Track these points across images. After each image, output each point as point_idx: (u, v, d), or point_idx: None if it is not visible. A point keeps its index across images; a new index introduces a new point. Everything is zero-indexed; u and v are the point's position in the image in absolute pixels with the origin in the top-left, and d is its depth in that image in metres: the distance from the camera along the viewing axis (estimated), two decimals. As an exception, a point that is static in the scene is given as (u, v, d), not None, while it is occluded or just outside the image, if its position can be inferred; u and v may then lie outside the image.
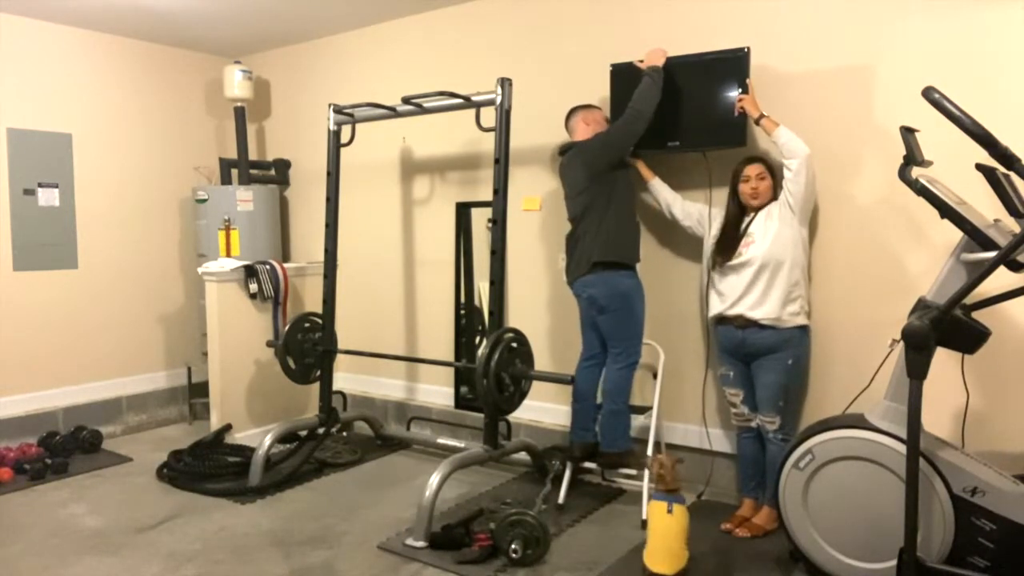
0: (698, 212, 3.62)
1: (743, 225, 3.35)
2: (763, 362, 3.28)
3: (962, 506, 2.55)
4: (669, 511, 2.83)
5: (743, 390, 3.38)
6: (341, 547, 3.30)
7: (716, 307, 3.41)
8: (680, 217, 3.67)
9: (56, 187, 4.94)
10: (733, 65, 3.44)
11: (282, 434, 4.26)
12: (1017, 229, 2.50)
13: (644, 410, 3.81)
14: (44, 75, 4.87)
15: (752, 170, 3.33)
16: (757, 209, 3.34)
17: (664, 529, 2.82)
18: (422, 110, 4.09)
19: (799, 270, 3.26)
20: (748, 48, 3.40)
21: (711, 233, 3.51)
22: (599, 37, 4.06)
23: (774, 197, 3.35)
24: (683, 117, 3.61)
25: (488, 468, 4.13)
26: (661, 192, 3.73)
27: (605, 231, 3.54)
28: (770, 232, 3.25)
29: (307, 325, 4.55)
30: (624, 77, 3.71)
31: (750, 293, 3.26)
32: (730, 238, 3.36)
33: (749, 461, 3.43)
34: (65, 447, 4.56)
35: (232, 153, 5.58)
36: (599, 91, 3.90)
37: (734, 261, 3.31)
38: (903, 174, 2.65)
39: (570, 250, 3.71)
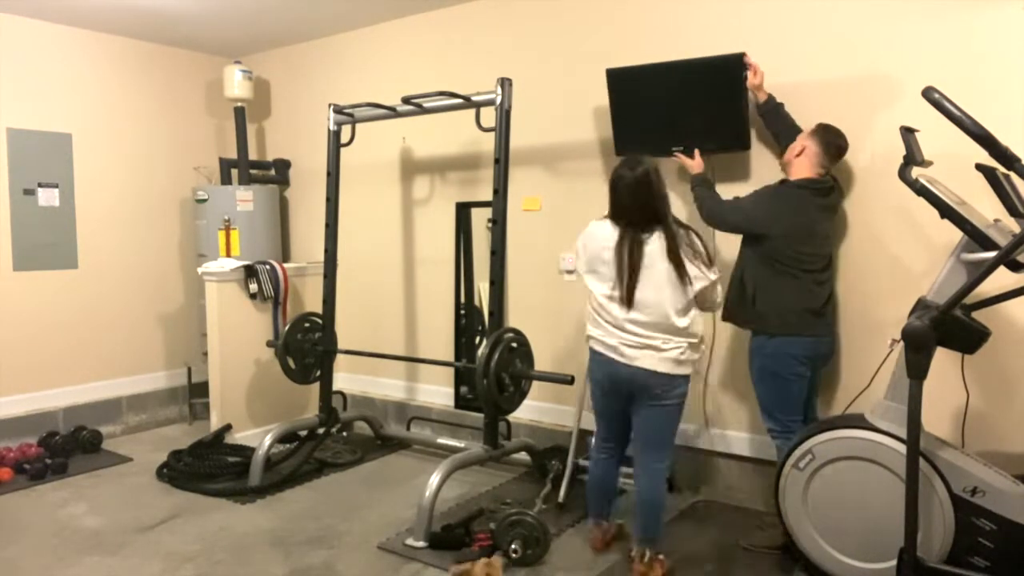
0: None
1: None
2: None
3: (962, 506, 2.55)
4: None
5: None
6: (341, 547, 3.30)
7: None
8: None
9: (56, 187, 4.93)
10: (731, 69, 3.41)
11: (282, 434, 4.26)
12: (1017, 229, 2.50)
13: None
14: (44, 75, 4.87)
15: None
16: None
17: None
18: (422, 110, 4.09)
19: None
20: (744, 53, 3.40)
21: None
22: (599, 37, 4.05)
23: None
24: (685, 121, 3.60)
25: (488, 468, 4.12)
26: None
27: None
28: None
29: (307, 325, 4.55)
30: (621, 81, 3.72)
31: None
32: None
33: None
34: (65, 447, 4.56)
35: (232, 153, 5.57)
36: (600, 91, 3.90)
37: None
38: (903, 174, 2.65)
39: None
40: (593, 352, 2.97)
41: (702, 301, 2.91)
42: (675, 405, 2.89)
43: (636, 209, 2.84)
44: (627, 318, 2.82)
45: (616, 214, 2.90)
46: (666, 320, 2.80)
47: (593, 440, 3.37)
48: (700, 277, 2.82)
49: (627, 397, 2.92)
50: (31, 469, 4.21)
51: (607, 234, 2.89)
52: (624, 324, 2.83)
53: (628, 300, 2.81)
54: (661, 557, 2.93)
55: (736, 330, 3.72)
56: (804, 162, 3.16)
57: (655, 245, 2.81)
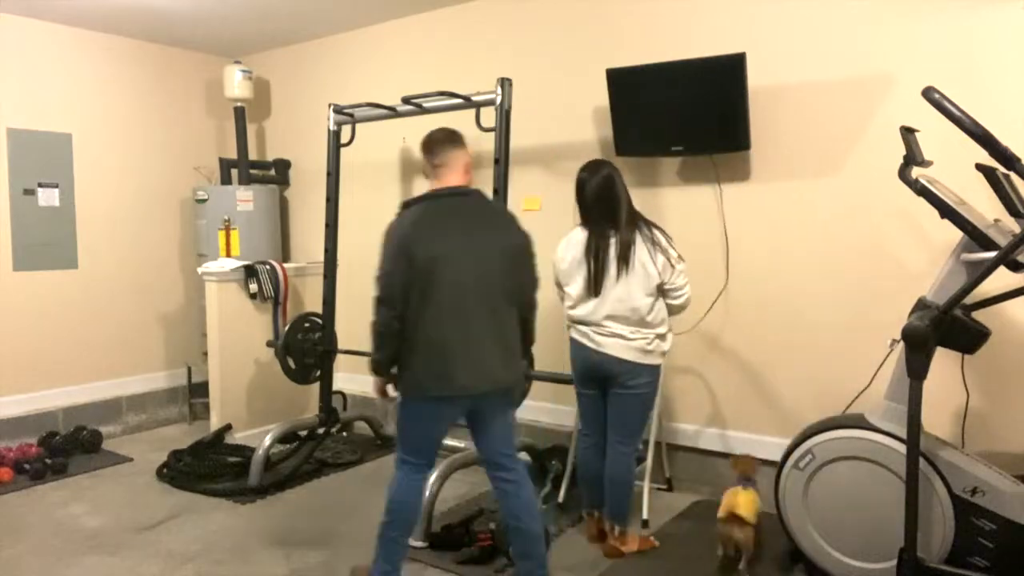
0: None
1: None
2: None
3: (962, 506, 2.55)
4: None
5: None
6: (341, 547, 3.30)
7: None
8: None
9: (56, 187, 4.93)
10: (730, 69, 3.42)
11: (282, 434, 4.26)
12: (1017, 229, 2.50)
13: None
14: (44, 75, 4.87)
15: None
16: None
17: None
18: (422, 110, 4.08)
19: None
20: (744, 53, 3.40)
21: None
22: (599, 37, 4.05)
23: None
24: (684, 122, 3.60)
25: (488, 468, 4.12)
26: None
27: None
28: None
29: (307, 325, 4.55)
30: (622, 81, 3.71)
31: None
32: None
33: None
34: (65, 447, 4.56)
35: (232, 153, 5.57)
36: (600, 91, 3.90)
37: None
38: (903, 174, 2.65)
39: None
40: (571, 339, 3.16)
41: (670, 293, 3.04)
42: (641, 394, 3.05)
43: (600, 210, 3.04)
44: (599, 312, 3.01)
45: (584, 216, 3.11)
46: (633, 314, 2.97)
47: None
48: (664, 271, 2.97)
49: (599, 382, 3.10)
50: (31, 469, 4.20)
51: (581, 238, 3.09)
52: (594, 317, 3.02)
53: (597, 295, 3.01)
54: (633, 532, 3.15)
55: (733, 331, 3.72)
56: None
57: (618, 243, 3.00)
